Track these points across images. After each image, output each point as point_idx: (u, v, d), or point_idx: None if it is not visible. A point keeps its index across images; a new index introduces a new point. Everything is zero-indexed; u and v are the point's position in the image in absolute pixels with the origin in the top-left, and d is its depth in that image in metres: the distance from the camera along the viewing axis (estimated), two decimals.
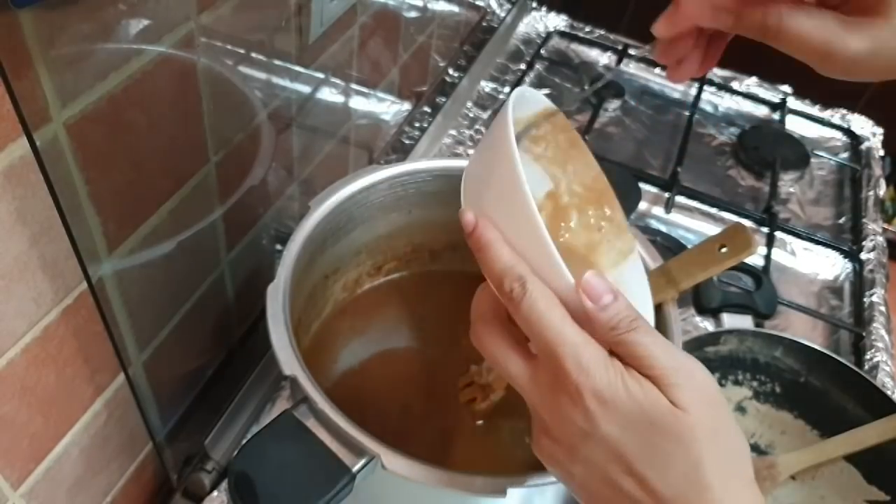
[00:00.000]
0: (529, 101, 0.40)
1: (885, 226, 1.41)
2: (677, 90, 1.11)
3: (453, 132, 0.96)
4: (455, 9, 0.99)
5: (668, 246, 0.84)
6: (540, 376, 0.34)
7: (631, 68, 1.13)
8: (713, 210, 0.92)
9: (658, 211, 0.91)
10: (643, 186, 0.90)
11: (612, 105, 1.05)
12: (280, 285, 0.48)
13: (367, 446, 0.41)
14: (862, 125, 1.10)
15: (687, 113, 1.04)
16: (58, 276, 0.40)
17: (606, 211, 0.40)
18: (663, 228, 0.88)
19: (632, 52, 1.13)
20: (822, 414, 0.67)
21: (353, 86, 0.73)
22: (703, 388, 0.32)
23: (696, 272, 0.49)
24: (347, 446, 0.41)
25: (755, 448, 0.68)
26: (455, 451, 0.56)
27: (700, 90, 1.08)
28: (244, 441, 0.61)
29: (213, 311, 0.59)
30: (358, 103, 0.76)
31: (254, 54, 0.52)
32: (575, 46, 1.16)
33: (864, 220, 0.93)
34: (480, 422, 0.56)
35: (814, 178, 1.01)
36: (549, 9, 1.19)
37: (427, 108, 0.97)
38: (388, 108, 0.85)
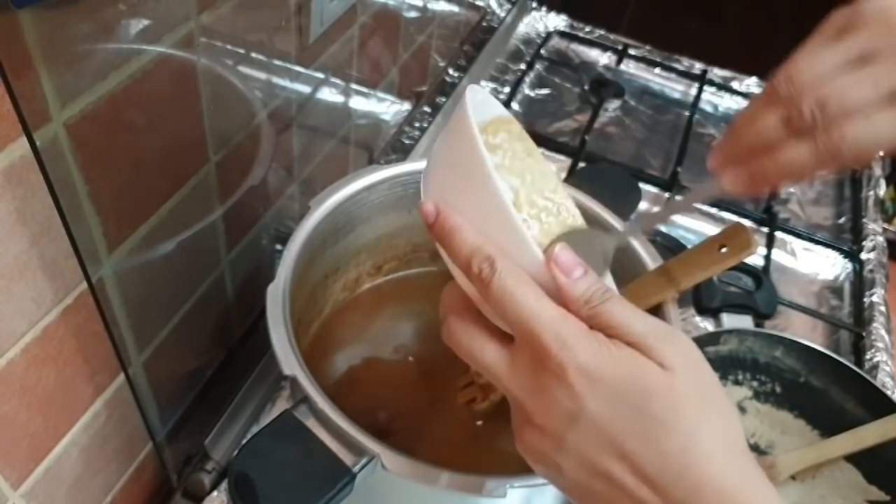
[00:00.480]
0: (484, 104, 0.39)
1: (885, 226, 1.41)
2: (677, 90, 1.11)
3: None
4: (455, 9, 0.99)
5: (668, 246, 0.84)
6: (518, 360, 0.32)
7: (631, 68, 1.13)
8: (713, 210, 0.92)
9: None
10: (643, 186, 0.90)
11: (612, 105, 1.05)
12: (280, 285, 0.48)
13: (367, 446, 0.41)
14: None
15: (687, 113, 1.04)
16: (58, 276, 0.40)
17: (568, 220, 0.40)
18: (663, 228, 0.88)
19: (632, 51, 1.13)
20: (822, 414, 0.67)
21: (353, 86, 0.73)
22: (686, 352, 0.31)
23: (696, 272, 0.49)
24: (347, 446, 0.41)
25: (755, 448, 0.68)
26: (455, 451, 0.56)
27: (700, 90, 1.08)
28: (244, 441, 0.61)
29: (213, 311, 0.59)
30: (358, 103, 0.76)
31: (254, 54, 0.52)
32: (575, 46, 1.16)
33: (864, 220, 0.93)
34: (480, 422, 0.56)
35: (814, 177, 1.01)
36: (549, 9, 1.19)
37: (427, 108, 0.97)
38: (388, 108, 0.85)
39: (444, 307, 0.36)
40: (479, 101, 0.39)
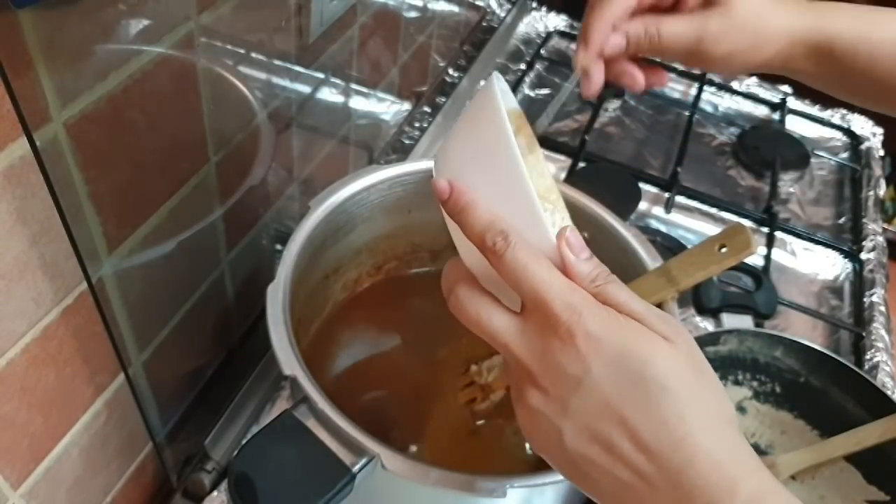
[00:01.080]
0: (503, 93, 0.40)
1: (885, 226, 1.41)
2: (677, 90, 1.11)
3: None
4: (455, 9, 0.99)
5: (667, 246, 0.84)
6: (528, 326, 0.33)
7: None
8: (713, 210, 0.92)
9: (658, 211, 0.91)
10: (643, 186, 0.90)
11: (612, 105, 1.05)
12: (280, 285, 0.48)
13: (367, 446, 0.41)
14: (862, 125, 1.10)
15: (687, 113, 1.04)
16: (58, 276, 0.40)
17: (559, 224, 0.40)
18: (663, 228, 0.88)
19: None
20: (822, 414, 0.67)
21: (353, 86, 0.73)
22: (682, 332, 0.33)
23: (695, 272, 0.49)
24: (347, 446, 0.41)
25: (755, 448, 0.68)
26: (455, 451, 0.56)
27: (700, 90, 1.08)
28: (244, 441, 0.61)
29: (213, 311, 0.59)
30: (358, 103, 0.76)
31: (254, 54, 0.52)
32: (575, 46, 1.16)
33: (864, 220, 0.93)
34: (480, 422, 0.56)
35: (814, 178, 1.01)
36: (549, 9, 1.19)
37: (427, 108, 0.97)
38: (388, 108, 0.85)
39: (449, 280, 0.37)
40: (501, 89, 0.39)
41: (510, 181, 0.34)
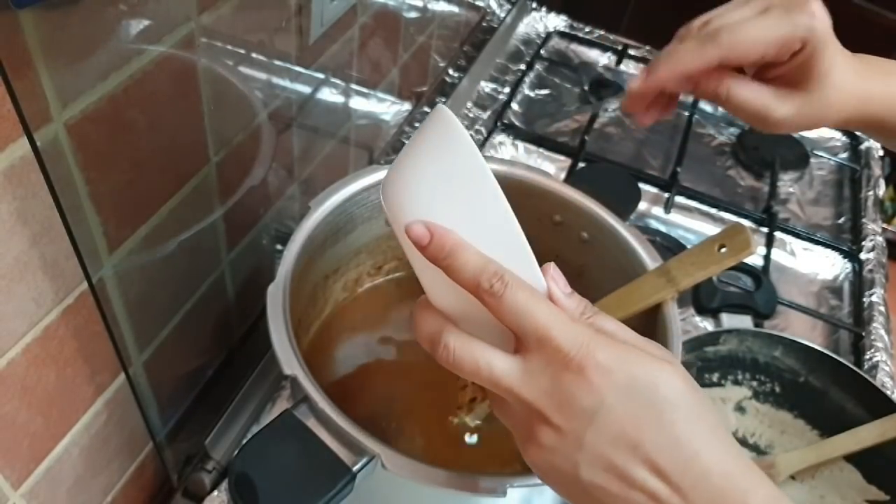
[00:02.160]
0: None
1: (885, 226, 1.41)
2: None
3: None
4: (455, 9, 0.99)
5: (667, 246, 0.84)
6: (532, 366, 0.33)
7: (631, 68, 1.13)
8: (713, 210, 0.92)
9: (658, 211, 0.91)
10: (643, 186, 0.90)
11: (612, 105, 1.05)
12: (280, 285, 0.49)
13: (367, 446, 0.41)
14: None
15: (687, 113, 1.04)
16: (58, 276, 0.40)
17: None
18: (663, 228, 0.88)
19: (632, 52, 1.13)
20: (822, 414, 0.67)
21: (354, 86, 0.73)
22: (669, 354, 0.34)
23: (695, 272, 0.49)
24: (347, 446, 0.41)
25: (755, 448, 0.68)
26: (455, 450, 0.56)
27: None
28: (244, 441, 0.61)
29: (213, 311, 0.59)
30: (358, 103, 0.76)
31: (254, 55, 0.52)
32: (575, 47, 1.16)
33: (864, 220, 0.94)
34: (480, 422, 0.56)
35: (813, 178, 1.01)
36: (549, 9, 1.19)
37: (427, 109, 0.97)
38: (388, 108, 0.85)
39: (428, 330, 0.35)
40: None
41: (493, 217, 0.33)
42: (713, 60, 0.42)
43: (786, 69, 0.43)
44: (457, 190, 0.34)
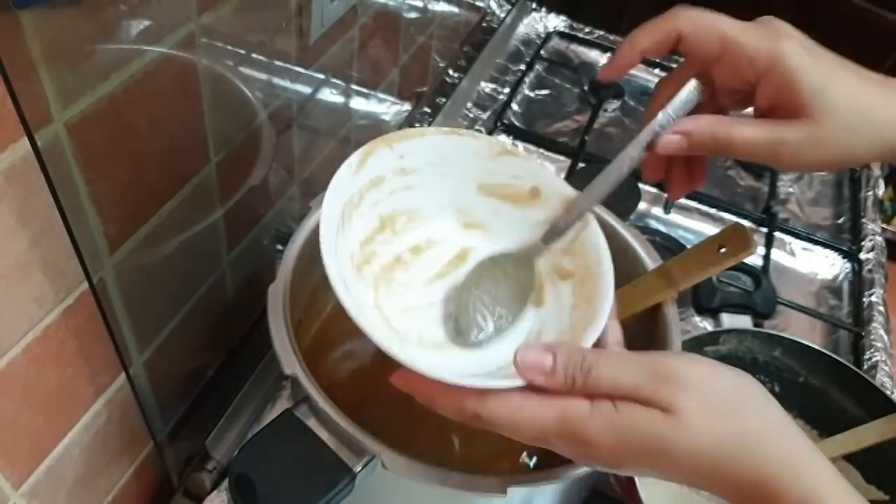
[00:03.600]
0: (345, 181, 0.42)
1: (884, 226, 1.41)
2: None
3: None
4: (455, 9, 0.99)
5: (667, 246, 0.84)
6: (554, 444, 0.35)
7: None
8: (712, 210, 0.92)
9: (657, 211, 0.91)
10: (642, 186, 0.90)
11: (612, 105, 1.05)
12: (281, 285, 0.49)
13: (368, 446, 0.41)
14: None
15: None
16: (59, 277, 0.40)
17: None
18: (662, 228, 0.88)
19: None
20: (822, 414, 0.67)
21: (354, 86, 0.73)
22: (685, 380, 0.33)
23: (695, 272, 0.49)
24: (348, 446, 0.41)
25: None
26: (455, 450, 0.56)
27: None
28: (245, 441, 0.61)
29: (213, 312, 0.60)
30: (358, 104, 0.76)
31: (254, 55, 0.52)
32: (575, 47, 1.16)
33: (863, 220, 0.94)
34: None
35: (813, 178, 1.01)
36: (549, 9, 1.19)
37: (427, 109, 0.97)
38: (388, 108, 0.85)
39: (461, 413, 0.36)
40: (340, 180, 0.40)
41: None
42: (671, 31, 0.40)
43: (770, 99, 0.40)
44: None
